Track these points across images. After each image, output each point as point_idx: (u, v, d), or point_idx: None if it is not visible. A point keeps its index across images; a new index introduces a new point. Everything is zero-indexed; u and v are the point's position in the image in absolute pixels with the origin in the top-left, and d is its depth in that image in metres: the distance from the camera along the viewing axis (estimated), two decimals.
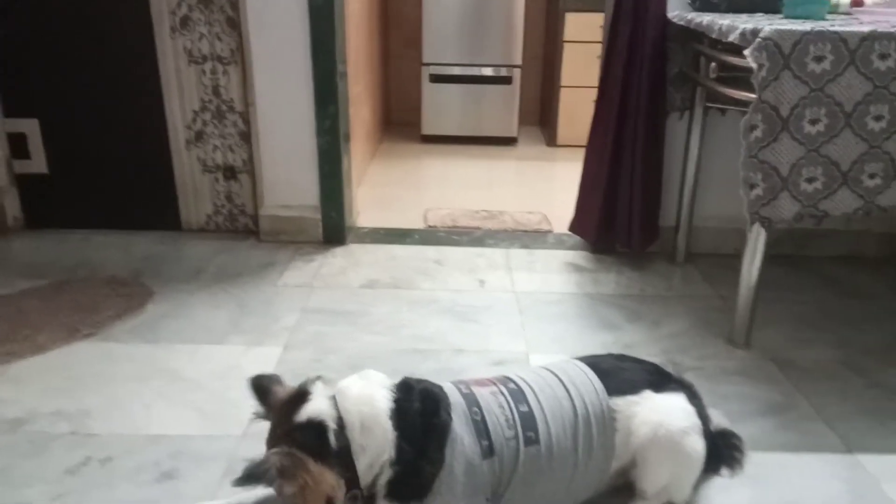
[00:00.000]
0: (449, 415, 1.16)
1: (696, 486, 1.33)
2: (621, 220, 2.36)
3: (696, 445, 1.27)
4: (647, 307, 2.12)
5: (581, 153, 2.47)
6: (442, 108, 4.05)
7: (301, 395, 1.14)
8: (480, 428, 1.17)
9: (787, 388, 1.72)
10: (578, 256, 2.49)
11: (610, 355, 1.45)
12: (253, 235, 2.58)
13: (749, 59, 1.61)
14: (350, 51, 2.56)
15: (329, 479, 1.07)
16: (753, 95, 1.63)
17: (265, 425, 1.18)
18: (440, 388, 1.22)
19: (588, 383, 1.29)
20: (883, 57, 1.61)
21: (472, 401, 1.21)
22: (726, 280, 2.17)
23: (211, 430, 1.51)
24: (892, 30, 1.60)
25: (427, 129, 4.10)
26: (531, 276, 2.33)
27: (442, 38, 3.93)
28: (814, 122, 1.64)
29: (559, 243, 2.61)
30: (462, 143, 4.06)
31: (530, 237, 2.67)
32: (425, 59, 3.96)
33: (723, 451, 1.37)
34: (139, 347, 1.83)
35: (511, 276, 2.32)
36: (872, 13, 2.11)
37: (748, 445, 1.41)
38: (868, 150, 1.67)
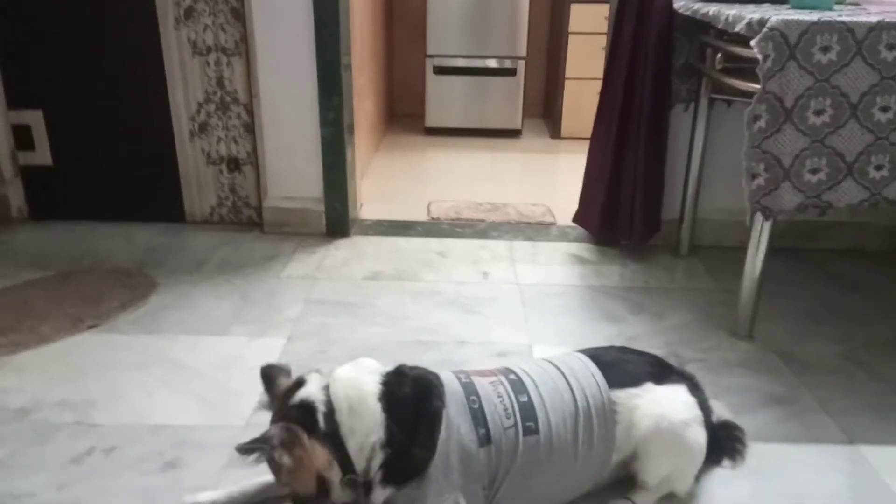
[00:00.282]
0: (442, 401, 1.16)
1: (698, 478, 1.33)
2: (624, 212, 2.36)
3: (698, 437, 1.27)
4: (650, 299, 2.11)
5: (585, 145, 2.47)
6: (446, 100, 4.03)
7: (298, 384, 1.18)
8: (478, 416, 1.18)
9: (790, 380, 1.71)
10: (582, 248, 2.49)
11: (612, 347, 1.46)
12: (256, 227, 2.58)
13: (755, 49, 1.60)
14: (354, 42, 2.55)
15: (321, 454, 1.10)
16: (759, 86, 1.62)
17: (267, 416, 1.19)
18: (436, 375, 1.22)
19: (589, 376, 1.29)
20: (891, 48, 1.59)
21: (470, 389, 1.21)
22: (730, 273, 2.16)
23: (213, 420, 1.51)
24: None
25: (431, 121, 4.09)
26: (535, 268, 2.33)
27: (446, 30, 3.91)
28: (819, 112, 1.63)
29: (563, 235, 2.60)
30: (466, 136, 4.05)
31: (534, 229, 2.67)
32: (429, 51, 3.94)
33: (724, 443, 1.38)
34: (143, 338, 1.84)
35: (514, 268, 2.32)
36: (881, 3, 2.09)
37: (750, 437, 1.41)
38: (874, 141, 1.66)
